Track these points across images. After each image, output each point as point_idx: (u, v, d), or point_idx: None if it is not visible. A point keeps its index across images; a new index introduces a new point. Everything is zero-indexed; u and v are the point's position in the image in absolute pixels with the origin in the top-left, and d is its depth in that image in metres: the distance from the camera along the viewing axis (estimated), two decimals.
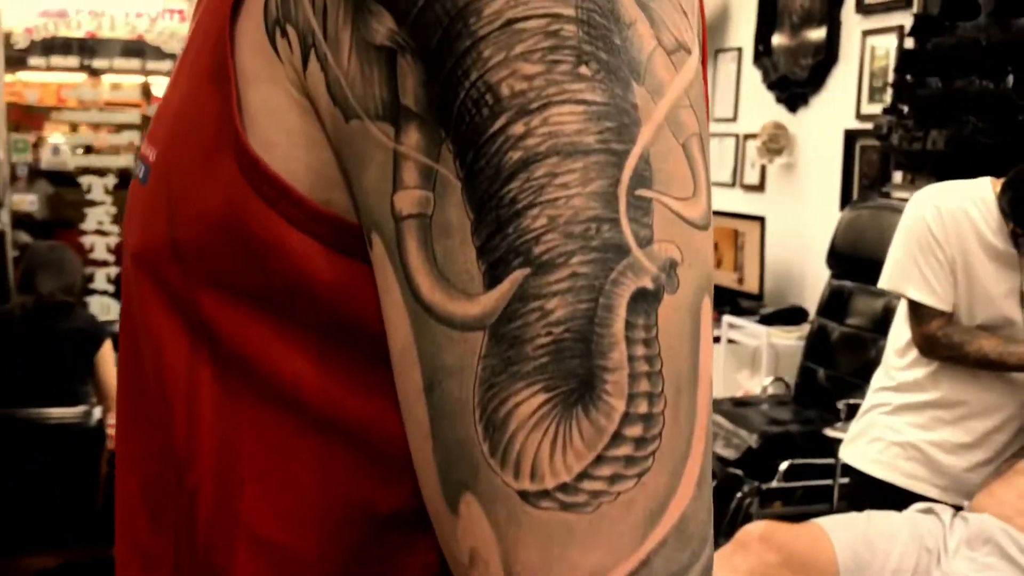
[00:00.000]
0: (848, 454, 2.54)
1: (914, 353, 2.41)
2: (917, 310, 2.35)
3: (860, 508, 2.43)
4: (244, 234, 0.48)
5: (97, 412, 3.34)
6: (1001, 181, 2.29)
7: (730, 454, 3.29)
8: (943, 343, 2.34)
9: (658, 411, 0.40)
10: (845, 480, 2.70)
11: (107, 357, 3.55)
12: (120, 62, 6.46)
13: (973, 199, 2.32)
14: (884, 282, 2.42)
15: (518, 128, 0.40)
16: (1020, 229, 2.24)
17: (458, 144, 0.40)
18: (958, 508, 2.30)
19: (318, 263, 0.48)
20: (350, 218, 0.47)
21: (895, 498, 2.39)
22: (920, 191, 2.46)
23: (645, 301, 0.40)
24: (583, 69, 0.40)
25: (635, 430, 0.40)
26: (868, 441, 2.48)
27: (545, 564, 0.40)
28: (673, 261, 0.41)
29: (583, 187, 0.40)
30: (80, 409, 3.34)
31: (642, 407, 0.40)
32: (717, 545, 3.09)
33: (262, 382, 0.51)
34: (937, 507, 2.23)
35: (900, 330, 2.47)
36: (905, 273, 2.36)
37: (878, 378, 2.54)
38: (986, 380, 2.35)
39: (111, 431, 3.53)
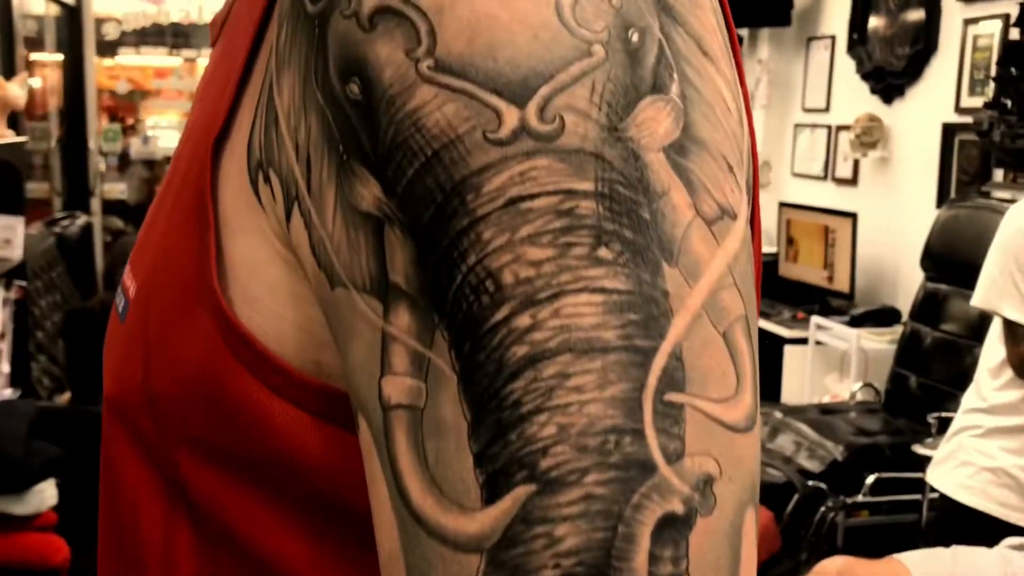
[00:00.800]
0: (936, 477, 2.42)
1: (1009, 374, 2.28)
2: (1013, 330, 2.22)
3: (947, 535, 2.31)
4: (223, 398, 0.43)
5: None
6: None
7: (814, 466, 3.17)
8: None
9: None
10: (935, 495, 2.57)
11: None
12: (208, 50, 6.54)
13: None
14: (978, 300, 2.29)
15: (523, 320, 0.34)
16: None
17: (454, 332, 0.35)
18: None
19: (304, 435, 0.43)
20: (341, 385, 0.41)
21: (985, 527, 2.27)
22: (1016, 203, 2.32)
23: (674, 528, 0.34)
24: (602, 252, 0.34)
25: None
26: (957, 465, 2.36)
27: None
28: (709, 477, 0.34)
29: (600, 391, 0.33)
30: None
31: None
32: (798, 566, 2.98)
33: (246, 557, 0.45)
34: None
35: (994, 348, 2.33)
36: (1000, 291, 2.23)
37: (969, 398, 2.41)
38: None
39: None
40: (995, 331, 2.34)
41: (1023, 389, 2.27)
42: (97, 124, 6.03)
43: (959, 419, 2.42)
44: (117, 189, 6.16)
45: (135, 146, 6.22)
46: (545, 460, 0.33)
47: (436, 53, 0.35)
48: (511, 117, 0.34)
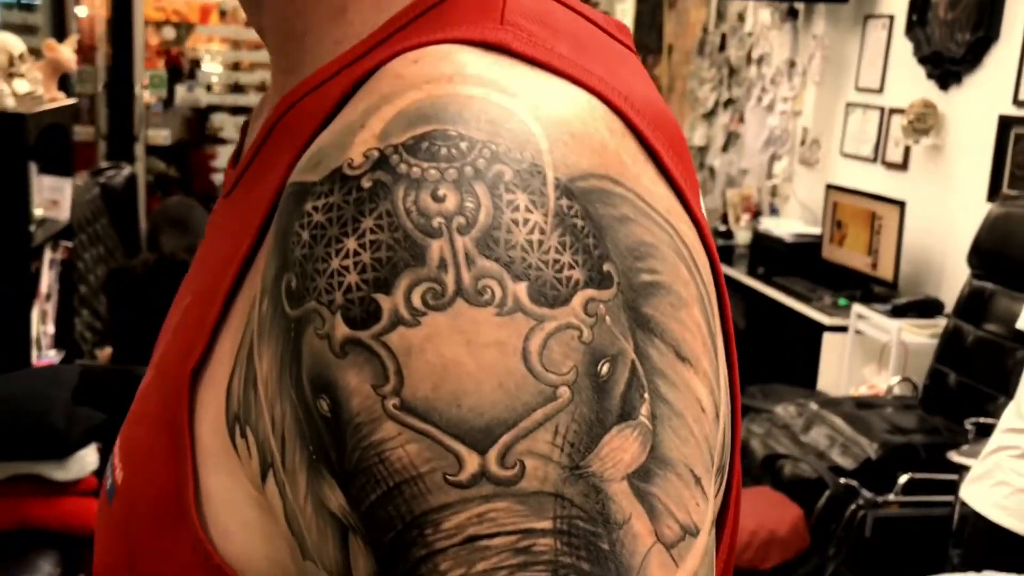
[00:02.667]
0: (970, 495, 2.41)
1: None
2: None
3: (979, 554, 2.31)
4: None
5: None
6: None
7: (847, 463, 3.16)
8: None
9: None
10: (967, 510, 2.56)
11: None
12: None
13: None
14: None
15: None
16: None
17: None
18: None
19: None
20: None
21: (1017, 547, 2.26)
22: None
23: None
24: None
25: None
26: (993, 484, 2.35)
27: None
28: None
29: None
30: None
31: None
32: (824, 561, 2.99)
33: None
34: None
35: None
36: None
37: (1008, 417, 2.39)
38: None
39: None
40: None
41: None
42: (143, 69, 6.04)
43: (997, 437, 2.40)
44: (161, 135, 6.18)
45: (180, 93, 6.23)
46: None
47: (402, 394, 0.36)
48: (472, 462, 0.35)
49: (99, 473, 2.74)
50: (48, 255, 3.08)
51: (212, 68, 6.45)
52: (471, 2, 0.45)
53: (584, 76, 0.42)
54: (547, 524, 0.35)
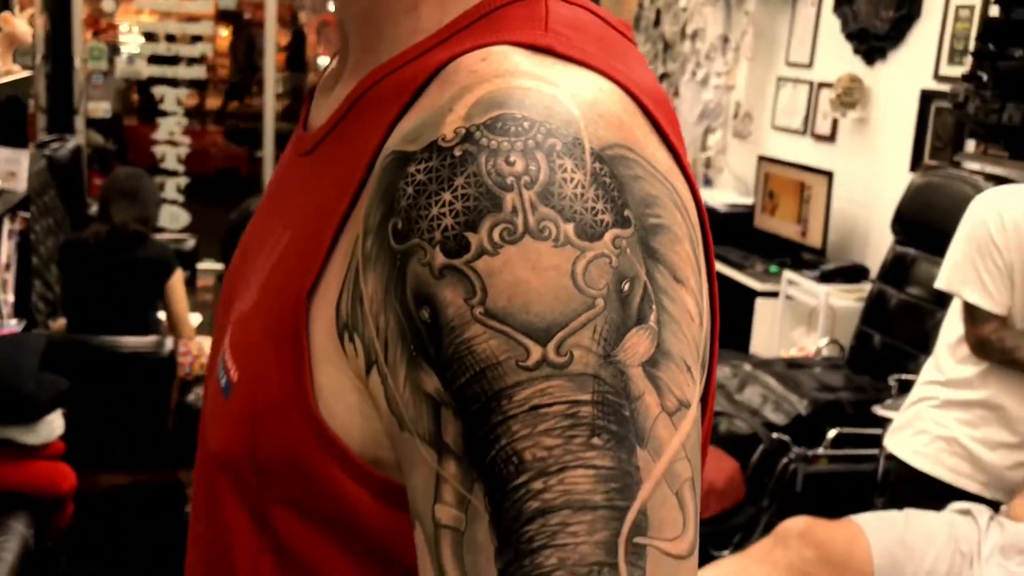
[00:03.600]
0: (893, 443, 2.59)
1: (966, 351, 2.45)
2: (972, 312, 2.38)
3: (901, 497, 2.50)
4: (313, 474, 0.57)
5: (168, 343, 3.48)
6: None
7: (779, 419, 3.35)
8: (996, 346, 2.37)
9: None
10: (892, 461, 2.75)
11: (177, 286, 3.68)
12: None
13: None
14: (941, 282, 2.45)
15: (538, 484, 0.48)
16: None
17: (487, 485, 0.49)
18: (996, 505, 2.35)
19: (368, 507, 0.57)
20: (397, 479, 0.55)
21: (936, 491, 2.45)
22: (984, 193, 2.47)
23: None
24: (595, 440, 0.48)
25: None
26: (914, 433, 2.53)
27: None
28: None
29: (590, 536, 0.47)
30: (152, 339, 3.48)
31: None
32: (759, 512, 3.18)
33: None
34: (975, 508, 2.29)
35: (954, 326, 2.50)
36: (963, 275, 2.38)
37: (928, 371, 2.58)
38: None
39: (181, 360, 3.67)
40: (955, 310, 2.50)
41: (978, 366, 2.44)
42: (83, 42, 6.00)
43: (918, 390, 2.59)
44: (101, 108, 6.16)
45: (120, 65, 6.21)
46: None
47: (486, 304, 0.49)
48: (536, 352, 0.48)
49: (65, 437, 2.82)
50: (7, 226, 3.13)
51: (137, 39, 6.41)
52: (519, 12, 0.59)
53: (608, 69, 0.56)
54: (588, 396, 0.48)
